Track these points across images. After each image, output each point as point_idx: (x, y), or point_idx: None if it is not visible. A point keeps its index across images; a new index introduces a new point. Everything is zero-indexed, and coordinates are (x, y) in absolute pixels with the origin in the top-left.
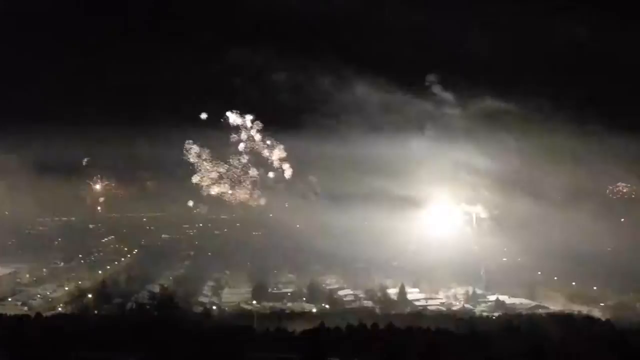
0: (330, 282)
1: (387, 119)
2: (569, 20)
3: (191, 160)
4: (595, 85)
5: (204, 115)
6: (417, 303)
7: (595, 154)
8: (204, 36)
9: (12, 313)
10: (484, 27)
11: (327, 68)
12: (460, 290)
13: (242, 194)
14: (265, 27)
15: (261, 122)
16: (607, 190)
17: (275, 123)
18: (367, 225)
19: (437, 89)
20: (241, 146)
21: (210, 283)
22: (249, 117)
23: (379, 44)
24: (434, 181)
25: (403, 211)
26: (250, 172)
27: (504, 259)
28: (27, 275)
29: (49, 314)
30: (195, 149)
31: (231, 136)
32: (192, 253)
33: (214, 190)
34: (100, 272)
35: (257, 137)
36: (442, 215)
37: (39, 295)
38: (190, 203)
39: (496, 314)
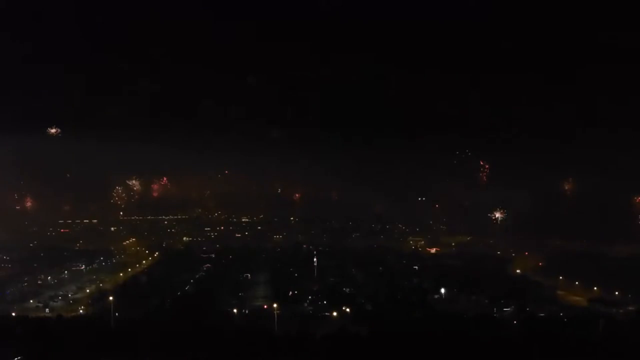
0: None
1: None
2: None
3: None
4: None
5: None
6: (439, 307)
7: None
8: None
9: (34, 315)
10: None
11: None
12: (483, 296)
13: None
14: None
15: None
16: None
17: None
18: None
19: None
20: None
21: (231, 285)
22: None
23: None
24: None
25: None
26: None
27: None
28: (49, 277)
29: (70, 315)
30: None
31: None
32: (213, 255)
33: None
34: (121, 274)
35: None
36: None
37: (60, 297)
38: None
39: (518, 319)
